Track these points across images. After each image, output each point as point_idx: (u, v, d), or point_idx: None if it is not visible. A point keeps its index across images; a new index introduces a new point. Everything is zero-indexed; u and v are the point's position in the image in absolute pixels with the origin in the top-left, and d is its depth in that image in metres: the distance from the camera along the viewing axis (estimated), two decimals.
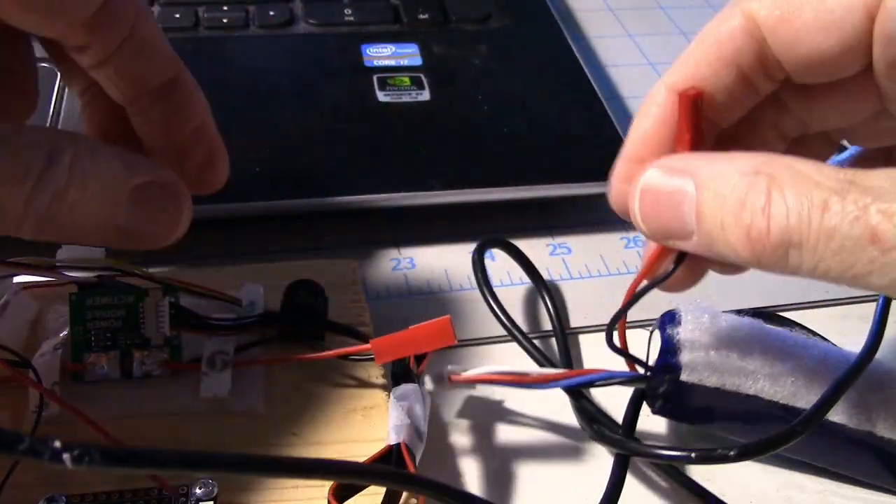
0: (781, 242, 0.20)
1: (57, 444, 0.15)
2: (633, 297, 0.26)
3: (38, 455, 0.15)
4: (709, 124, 0.24)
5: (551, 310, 0.35)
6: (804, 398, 0.28)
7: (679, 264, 0.25)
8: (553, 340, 0.35)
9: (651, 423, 0.32)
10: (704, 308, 0.30)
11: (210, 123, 0.28)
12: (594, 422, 0.30)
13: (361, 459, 0.26)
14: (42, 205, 0.22)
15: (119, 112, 0.27)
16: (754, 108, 0.25)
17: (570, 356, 0.34)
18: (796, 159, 0.20)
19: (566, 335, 0.35)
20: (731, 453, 0.26)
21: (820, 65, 0.23)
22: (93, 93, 0.28)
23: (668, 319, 0.30)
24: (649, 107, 0.25)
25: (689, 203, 0.22)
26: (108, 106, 0.27)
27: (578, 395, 0.31)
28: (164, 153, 0.27)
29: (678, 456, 0.27)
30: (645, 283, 0.26)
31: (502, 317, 0.33)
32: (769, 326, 0.31)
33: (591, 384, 0.30)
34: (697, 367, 0.28)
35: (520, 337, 0.33)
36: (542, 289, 0.36)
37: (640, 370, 0.30)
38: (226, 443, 0.28)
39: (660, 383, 0.29)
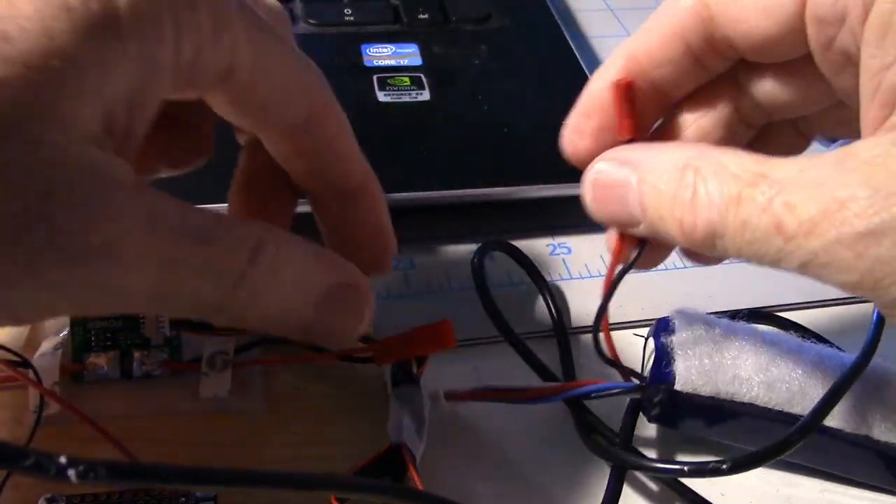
0: (707, 234, 0.21)
1: (63, 459, 0.15)
2: (611, 288, 0.27)
3: (43, 471, 0.15)
4: (660, 96, 0.26)
5: (554, 314, 0.35)
6: (799, 404, 0.28)
7: (643, 248, 0.26)
8: (554, 340, 0.35)
9: (650, 429, 0.32)
10: (698, 315, 0.30)
11: (388, 226, 0.29)
12: (592, 432, 0.30)
13: (361, 459, 0.26)
14: (239, 301, 0.22)
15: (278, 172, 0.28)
16: (712, 87, 0.26)
17: (571, 361, 0.34)
18: (723, 151, 0.22)
19: (568, 340, 0.35)
20: (724, 466, 0.26)
21: (763, 45, 0.24)
22: (257, 147, 0.28)
23: (662, 327, 0.30)
24: (604, 70, 0.26)
25: (632, 194, 0.23)
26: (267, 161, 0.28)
27: (576, 404, 0.31)
28: (340, 245, 0.28)
29: (671, 469, 0.28)
30: (618, 269, 0.27)
31: (501, 325, 0.34)
32: (764, 331, 0.31)
33: (586, 397, 0.30)
34: (691, 376, 0.28)
35: (519, 345, 0.33)
36: (546, 291, 0.36)
37: (635, 380, 0.30)
38: (226, 443, 0.28)
39: (654, 393, 0.29)
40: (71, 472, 0.15)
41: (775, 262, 0.21)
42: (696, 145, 0.23)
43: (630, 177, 0.23)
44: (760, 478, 0.31)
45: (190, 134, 0.29)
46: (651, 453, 0.31)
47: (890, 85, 0.21)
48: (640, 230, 0.24)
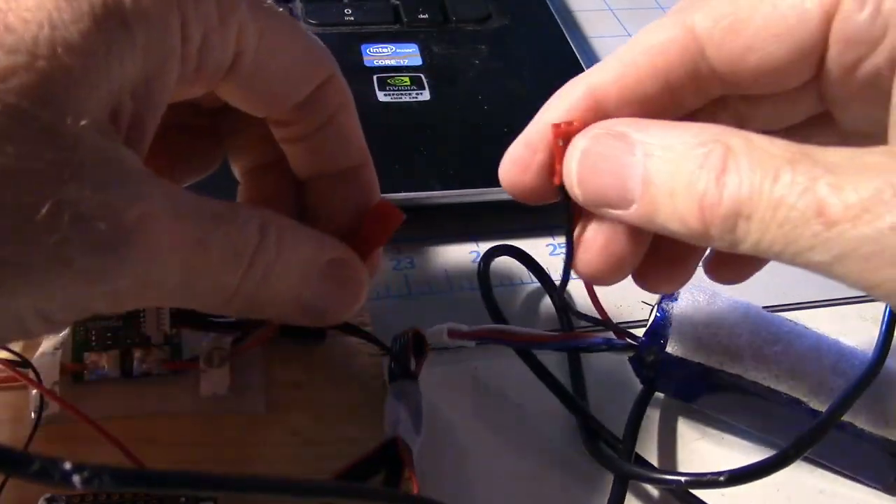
0: (732, 212, 0.19)
1: (67, 465, 0.15)
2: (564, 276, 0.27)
3: (48, 477, 0.15)
4: None
5: (563, 317, 0.35)
6: (786, 383, 0.29)
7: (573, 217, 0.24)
8: None
9: (653, 434, 0.32)
10: (704, 289, 0.31)
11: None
12: (595, 438, 0.31)
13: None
14: (253, 281, 0.23)
15: (279, 194, 0.29)
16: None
17: (579, 358, 0.34)
18: (751, 133, 0.19)
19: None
20: (721, 478, 0.26)
21: (768, 75, 0.22)
22: (257, 173, 0.29)
23: (668, 296, 0.31)
24: (558, 101, 0.23)
25: (634, 169, 0.20)
26: (270, 186, 0.29)
27: (576, 407, 0.31)
28: (331, 232, 0.28)
29: (670, 480, 0.28)
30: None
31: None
32: (768, 314, 0.31)
33: (583, 349, 0.31)
34: (684, 341, 0.29)
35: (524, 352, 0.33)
36: (555, 294, 0.36)
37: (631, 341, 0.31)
38: (226, 443, 0.28)
39: (646, 354, 0.30)
40: (76, 478, 0.15)
41: (806, 250, 0.18)
42: (716, 125, 0.20)
43: (633, 150, 0.20)
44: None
45: (203, 139, 0.29)
46: (653, 456, 0.31)
47: None
48: (628, 213, 0.21)
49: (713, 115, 0.24)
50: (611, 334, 0.31)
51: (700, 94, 0.23)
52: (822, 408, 0.29)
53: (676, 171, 0.20)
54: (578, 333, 0.32)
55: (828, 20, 0.21)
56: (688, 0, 0.23)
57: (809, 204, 0.18)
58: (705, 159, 0.19)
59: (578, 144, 0.22)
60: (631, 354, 0.31)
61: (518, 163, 0.24)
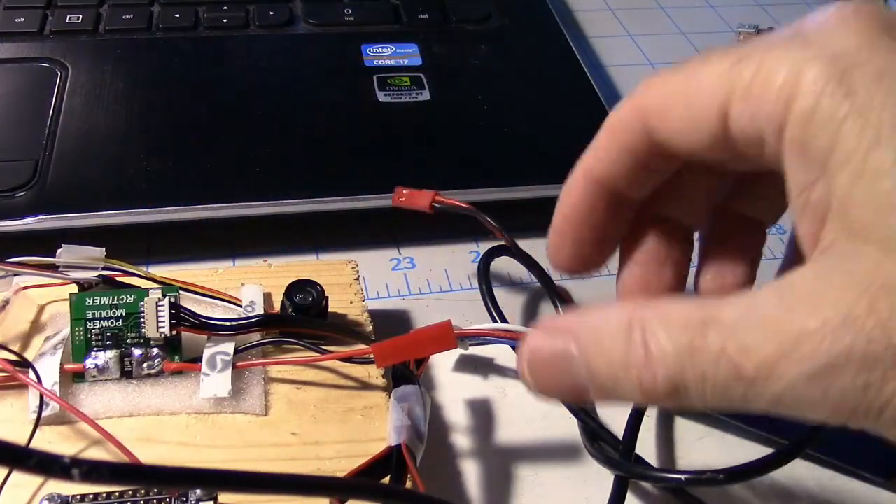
0: (670, 389, 0.20)
1: (66, 459, 0.15)
2: None
3: (47, 471, 0.15)
4: (626, 201, 0.26)
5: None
6: None
7: None
8: None
9: (653, 436, 0.32)
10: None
11: None
12: (596, 439, 0.31)
13: (361, 459, 0.26)
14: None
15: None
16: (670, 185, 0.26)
17: None
18: (663, 301, 0.21)
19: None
20: (721, 477, 0.26)
21: (700, 155, 0.24)
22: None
23: None
24: (569, 188, 0.26)
25: (576, 364, 0.22)
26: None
27: (577, 408, 0.31)
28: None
29: (670, 478, 0.28)
30: None
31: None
32: None
33: None
34: None
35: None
36: (554, 294, 0.36)
37: None
38: (226, 443, 0.28)
39: None
40: (75, 472, 0.15)
41: (744, 404, 0.20)
42: (633, 301, 0.23)
43: (570, 347, 0.22)
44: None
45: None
46: (653, 456, 0.31)
47: (817, 200, 0.21)
48: (591, 395, 0.22)
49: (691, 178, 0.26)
50: None
51: (669, 161, 0.25)
52: None
53: (611, 361, 0.21)
54: None
55: (723, 118, 0.22)
56: (646, 82, 0.25)
57: (728, 369, 0.19)
58: (629, 343, 0.21)
59: (523, 355, 0.23)
60: None
61: (554, 245, 0.27)
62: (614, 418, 0.31)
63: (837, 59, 0.20)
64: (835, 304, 0.19)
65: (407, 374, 0.29)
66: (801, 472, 0.31)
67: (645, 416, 0.31)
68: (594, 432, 0.31)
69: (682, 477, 0.28)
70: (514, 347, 0.32)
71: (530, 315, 0.37)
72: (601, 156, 0.26)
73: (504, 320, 0.34)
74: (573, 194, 0.26)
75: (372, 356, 0.29)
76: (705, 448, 0.32)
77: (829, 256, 0.20)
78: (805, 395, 0.19)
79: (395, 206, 0.36)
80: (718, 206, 0.27)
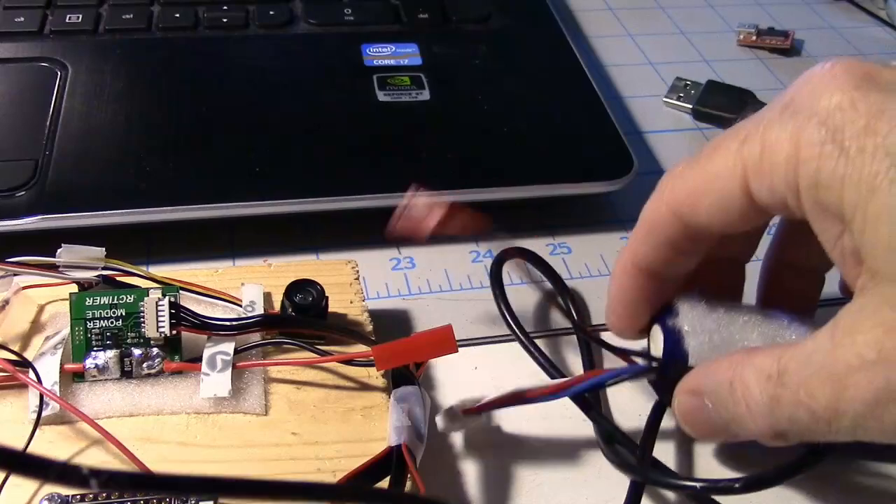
0: (776, 433, 0.24)
1: (85, 470, 0.15)
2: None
3: (67, 481, 0.15)
4: (667, 280, 0.29)
5: (574, 316, 0.36)
6: None
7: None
8: (554, 339, 0.35)
9: (674, 441, 0.32)
10: (699, 295, 0.30)
11: None
12: (612, 441, 0.31)
13: (361, 459, 0.26)
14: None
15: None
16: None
17: (592, 358, 0.34)
18: (753, 355, 0.25)
19: (589, 339, 0.35)
20: (737, 485, 0.27)
21: (732, 234, 0.27)
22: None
23: (667, 313, 0.30)
24: (619, 279, 0.30)
25: (711, 415, 0.26)
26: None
27: (593, 411, 0.31)
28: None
29: (685, 486, 0.28)
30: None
31: (522, 337, 0.34)
32: (765, 309, 0.31)
33: (601, 386, 0.31)
34: (703, 350, 0.29)
35: (536, 353, 0.33)
36: (565, 294, 0.36)
37: (639, 361, 0.30)
38: (226, 443, 0.28)
39: (670, 374, 0.29)
40: (93, 482, 0.15)
41: (835, 438, 0.23)
42: (731, 358, 0.26)
43: (705, 403, 0.26)
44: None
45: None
46: (671, 460, 0.31)
47: (850, 248, 0.23)
48: (742, 435, 0.26)
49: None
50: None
51: (705, 244, 0.28)
52: None
53: (728, 414, 0.25)
54: (594, 373, 0.31)
55: (747, 191, 0.25)
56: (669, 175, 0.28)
57: (808, 414, 0.23)
58: (733, 399, 0.25)
59: (677, 410, 0.28)
60: (652, 377, 0.30)
61: (612, 317, 0.31)
62: (631, 420, 0.31)
63: (827, 121, 0.22)
64: (868, 342, 0.21)
65: (406, 375, 0.29)
66: (802, 481, 0.31)
67: (666, 419, 0.31)
68: (610, 434, 0.31)
69: (698, 485, 0.27)
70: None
71: (542, 317, 0.37)
72: (643, 249, 0.28)
73: (521, 327, 0.33)
74: (624, 282, 0.29)
75: (372, 359, 0.29)
76: (727, 452, 0.32)
77: (863, 295, 0.22)
78: (871, 426, 0.22)
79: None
80: (772, 262, 0.31)
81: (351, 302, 0.33)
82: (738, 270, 0.32)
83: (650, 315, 0.30)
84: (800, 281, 0.31)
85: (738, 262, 0.32)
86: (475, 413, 0.30)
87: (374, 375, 0.31)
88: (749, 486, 0.26)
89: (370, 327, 0.32)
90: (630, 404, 0.33)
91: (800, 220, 0.25)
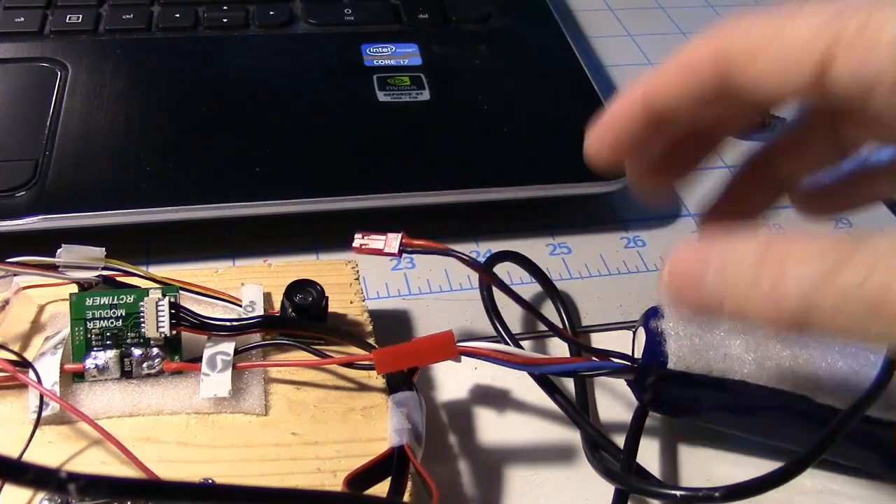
0: (800, 310, 0.20)
1: (63, 474, 0.15)
2: None
3: (43, 485, 0.15)
4: (672, 128, 0.26)
5: (565, 320, 0.36)
6: (790, 381, 0.29)
7: None
8: (543, 341, 0.35)
9: (659, 448, 0.32)
10: None
11: None
12: (597, 448, 0.31)
13: (361, 459, 0.27)
14: None
15: None
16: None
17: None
18: (800, 234, 0.21)
19: (579, 342, 0.35)
20: (717, 494, 0.26)
21: (781, 103, 0.24)
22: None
23: (652, 314, 0.31)
24: (622, 105, 0.27)
25: (709, 285, 0.23)
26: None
27: (584, 422, 0.31)
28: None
29: (666, 494, 0.28)
30: None
31: (507, 338, 0.34)
32: None
33: (575, 373, 0.31)
34: (683, 354, 0.29)
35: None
36: (556, 298, 0.36)
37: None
38: (226, 443, 0.28)
39: (648, 374, 0.29)
40: (71, 487, 0.15)
41: (872, 342, 0.21)
42: (767, 233, 0.22)
43: (706, 269, 0.23)
44: None
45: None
46: (655, 465, 0.31)
47: None
48: (724, 313, 0.23)
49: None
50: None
51: (736, 104, 0.25)
52: (828, 401, 0.28)
53: (738, 289, 0.22)
54: (572, 359, 0.31)
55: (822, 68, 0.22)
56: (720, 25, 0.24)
57: (866, 307, 0.19)
58: (758, 276, 0.21)
59: (665, 271, 0.24)
60: (630, 377, 0.30)
61: (595, 139, 0.28)
62: (617, 428, 0.31)
63: None
64: None
65: (403, 379, 0.29)
66: (802, 482, 0.31)
67: (650, 422, 0.31)
68: (595, 441, 0.31)
69: (678, 493, 0.27)
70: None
71: (531, 319, 0.37)
72: (665, 90, 0.26)
73: (507, 330, 0.34)
74: (625, 109, 0.27)
75: (373, 362, 0.29)
76: (711, 458, 0.32)
77: None
78: None
79: (356, 253, 0.30)
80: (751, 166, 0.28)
81: (351, 302, 0.33)
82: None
83: (627, 153, 0.27)
84: (762, 191, 0.28)
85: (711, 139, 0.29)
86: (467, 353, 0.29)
87: (373, 376, 0.31)
88: (729, 495, 0.26)
89: (370, 327, 0.32)
90: (617, 409, 0.33)
91: (845, 117, 0.23)
